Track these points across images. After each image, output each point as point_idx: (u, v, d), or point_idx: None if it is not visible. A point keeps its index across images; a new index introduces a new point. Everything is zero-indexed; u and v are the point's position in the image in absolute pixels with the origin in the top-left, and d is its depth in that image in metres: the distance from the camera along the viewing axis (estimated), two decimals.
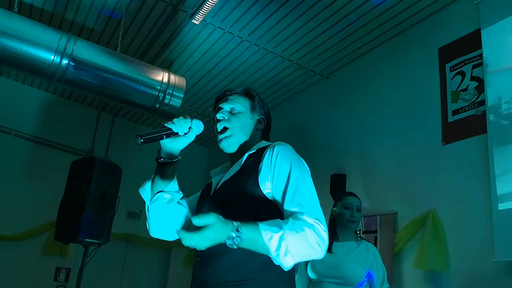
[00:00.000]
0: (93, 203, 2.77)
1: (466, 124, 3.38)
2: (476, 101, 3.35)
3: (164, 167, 1.52)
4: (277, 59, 4.80)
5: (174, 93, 3.86)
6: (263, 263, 1.30)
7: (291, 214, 1.30)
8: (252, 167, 1.44)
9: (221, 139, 1.57)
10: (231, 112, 1.59)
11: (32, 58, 3.34)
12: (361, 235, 3.02)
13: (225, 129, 1.56)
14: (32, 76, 4.10)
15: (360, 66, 4.61)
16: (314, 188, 1.41)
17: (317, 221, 1.28)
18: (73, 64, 3.47)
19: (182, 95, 3.90)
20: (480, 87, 3.34)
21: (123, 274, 6.51)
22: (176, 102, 3.90)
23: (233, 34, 4.46)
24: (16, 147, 5.88)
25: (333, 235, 2.74)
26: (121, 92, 3.66)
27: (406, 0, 3.78)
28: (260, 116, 1.63)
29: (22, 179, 5.81)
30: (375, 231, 3.87)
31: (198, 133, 1.53)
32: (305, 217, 1.28)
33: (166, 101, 3.85)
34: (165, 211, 1.55)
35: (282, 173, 1.39)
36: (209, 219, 1.15)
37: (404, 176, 3.78)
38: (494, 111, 3.17)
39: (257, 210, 1.36)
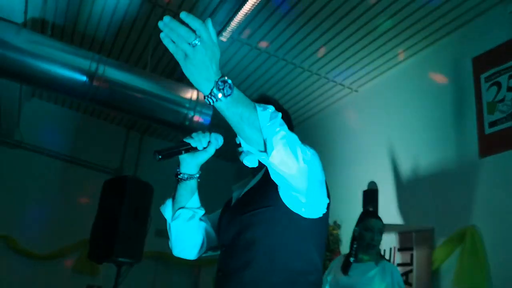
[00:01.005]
0: (126, 222, 2.77)
1: (505, 136, 3.26)
2: None
3: (185, 183, 1.49)
4: (305, 73, 4.77)
5: (203, 110, 3.86)
6: (290, 275, 1.25)
7: None
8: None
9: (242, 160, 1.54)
10: None
11: (65, 79, 3.42)
12: (383, 255, 2.96)
13: (239, 145, 1.53)
14: (64, 96, 4.19)
15: (390, 79, 4.53)
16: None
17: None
18: (104, 84, 3.52)
19: (211, 112, 3.90)
20: None
21: None
22: (205, 119, 3.90)
23: (260, 49, 4.46)
24: (48, 166, 5.99)
25: (350, 256, 2.69)
26: (150, 110, 3.70)
27: (437, 11, 3.70)
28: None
29: (53, 198, 5.89)
30: (411, 249, 3.74)
31: (217, 147, 1.50)
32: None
33: (195, 119, 3.86)
34: (187, 228, 1.52)
35: None
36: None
37: (440, 191, 3.66)
38: None
39: (279, 219, 1.31)
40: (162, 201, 1.58)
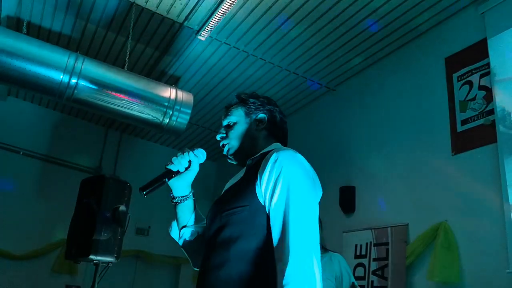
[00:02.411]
0: (103, 221, 2.77)
1: (476, 134, 3.36)
2: (485, 110, 3.34)
3: (181, 205, 1.53)
4: (283, 72, 4.82)
5: (181, 109, 3.86)
6: (262, 278, 1.25)
7: (280, 261, 1.21)
8: (253, 174, 1.37)
9: (226, 155, 1.57)
10: (228, 126, 1.57)
11: (41, 78, 3.37)
12: (327, 248, 3.05)
13: (223, 145, 1.56)
14: (41, 95, 4.14)
15: (366, 78, 4.62)
16: (312, 213, 1.29)
17: (303, 269, 1.18)
18: (82, 83, 3.49)
19: (189, 111, 3.91)
20: (489, 96, 3.33)
21: None
22: (184, 118, 3.90)
23: (238, 49, 4.49)
24: (25, 166, 5.91)
25: None
26: (129, 110, 3.68)
27: (411, 12, 3.79)
28: (259, 116, 1.55)
29: (31, 198, 5.83)
30: (386, 243, 3.83)
31: (201, 162, 1.53)
32: (289, 271, 1.18)
33: (174, 117, 3.86)
34: (193, 245, 1.56)
35: (279, 195, 1.29)
36: None
37: (414, 187, 3.76)
38: (503, 120, 3.15)
39: (254, 220, 1.30)
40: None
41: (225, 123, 1.58)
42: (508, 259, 2.87)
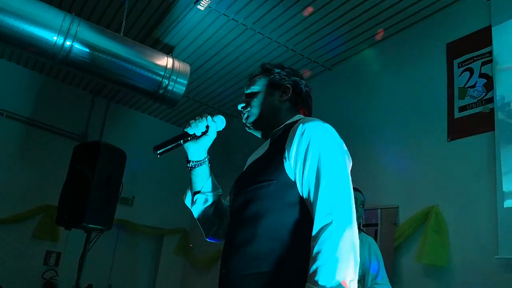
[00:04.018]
0: (97, 188, 2.71)
1: (473, 121, 3.38)
2: (484, 98, 3.35)
3: (195, 171, 1.50)
4: (281, 48, 4.74)
5: (178, 79, 3.77)
6: (289, 253, 1.22)
7: (318, 226, 1.18)
8: (278, 147, 1.34)
9: (244, 124, 1.53)
10: (250, 95, 1.53)
11: (34, 38, 3.22)
12: (361, 228, 3.02)
13: (243, 114, 1.52)
14: (32, 56, 3.99)
15: (364, 59, 4.58)
16: (346, 181, 1.26)
17: (347, 231, 1.16)
18: (76, 46, 3.36)
19: (186, 82, 3.82)
20: (489, 85, 3.34)
21: (113, 260, 6.45)
22: (180, 89, 3.81)
23: (237, 21, 4.39)
24: (8, 128, 5.75)
25: None
26: (124, 77, 3.57)
27: None
28: (283, 86, 1.51)
29: (13, 161, 5.69)
30: (376, 225, 3.87)
31: (219, 129, 1.49)
32: (334, 227, 1.16)
33: (170, 87, 3.76)
34: (205, 212, 1.53)
35: (309, 166, 1.25)
36: None
37: (407, 171, 3.78)
38: (503, 109, 3.17)
39: (282, 195, 1.27)
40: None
41: (247, 91, 1.54)
42: (498, 245, 2.93)
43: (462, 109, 3.49)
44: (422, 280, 3.39)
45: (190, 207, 1.55)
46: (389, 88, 4.19)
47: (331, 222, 1.16)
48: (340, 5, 4.00)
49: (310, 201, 1.23)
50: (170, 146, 1.41)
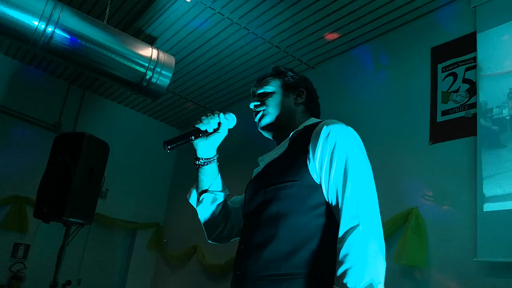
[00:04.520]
0: (79, 181, 2.61)
1: (455, 126, 3.44)
2: (467, 103, 3.41)
3: (204, 169, 1.47)
4: (265, 45, 4.71)
5: (162, 71, 3.70)
6: (309, 255, 1.21)
7: (345, 229, 1.17)
8: (301, 148, 1.33)
9: (257, 122, 1.52)
10: (264, 95, 1.53)
11: (15, 22, 3.10)
12: None
13: (258, 112, 1.51)
14: (11, 41, 3.83)
15: (348, 60, 4.60)
16: (372, 184, 1.28)
17: (374, 234, 1.17)
18: (58, 32, 3.25)
19: (170, 75, 3.75)
20: (472, 90, 3.40)
21: (84, 254, 6.30)
22: (164, 82, 3.74)
23: (223, 15, 4.33)
24: None
25: None
26: (107, 66, 3.47)
27: None
28: (298, 89, 1.54)
29: None
30: None
31: (230, 127, 1.49)
32: (361, 230, 1.16)
33: (154, 80, 3.69)
34: (212, 212, 1.50)
35: (336, 169, 1.25)
36: None
37: (388, 172, 3.81)
38: (485, 114, 3.23)
39: (305, 196, 1.27)
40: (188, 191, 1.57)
41: (260, 91, 1.52)
42: (476, 248, 2.99)
43: (444, 113, 3.54)
44: (400, 281, 3.43)
45: (195, 207, 1.51)
46: (372, 89, 4.22)
47: (358, 225, 1.16)
48: (326, 5, 4.00)
49: (336, 203, 1.23)
50: (181, 141, 1.39)
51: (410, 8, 3.89)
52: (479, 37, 3.39)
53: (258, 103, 1.51)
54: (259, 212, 1.32)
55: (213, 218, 1.51)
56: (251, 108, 1.55)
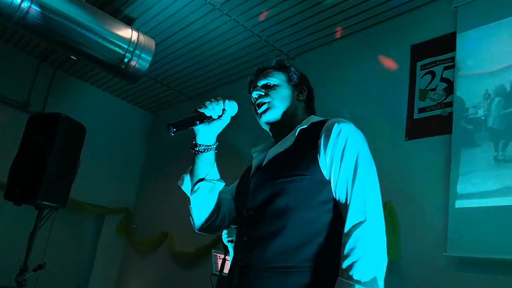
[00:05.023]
0: (54, 163, 2.53)
1: (432, 123, 3.51)
2: (443, 102, 3.49)
3: (202, 155, 1.44)
4: (246, 33, 4.66)
5: (142, 55, 3.63)
6: (316, 249, 1.23)
7: (352, 223, 1.21)
8: (310, 143, 1.34)
9: (260, 114, 1.50)
10: (267, 86, 1.51)
11: None
12: None
13: (262, 104, 1.49)
14: None
15: (329, 52, 4.61)
16: (377, 183, 1.34)
17: (380, 231, 1.23)
18: (35, 8, 3.12)
19: (150, 58, 3.69)
20: (449, 89, 3.47)
21: (49, 238, 6.13)
22: (143, 66, 3.68)
23: (205, 0, 4.25)
24: None
25: None
26: (85, 46, 3.38)
27: None
28: (300, 86, 1.57)
29: None
30: None
31: (232, 115, 1.47)
32: (368, 225, 1.20)
33: (132, 63, 3.62)
34: (207, 201, 1.48)
35: (346, 166, 1.29)
36: None
37: None
38: (460, 114, 3.31)
39: (315, 191, 1.29)
40: (180, 178, 1.52)
41: (263, 82, 1.51)
42: (446, 243, 3.08)
43: (421, 110, 3.61)
44: None
45: (189, 194, 1.47)
46: (351, 84, 4.26)
47: (364, 220, 1.20)
48: None
49: (344, 198, 1.26)
50: (187, 125, 1.35)
51: (392, 4, 3.92)
52: (459, 37, 3.46)
53: (263, 93, 1.49)
54: (266, 205, 1.31)
55: (208, 208, 1.49)
56: (253, 98, 1.53)
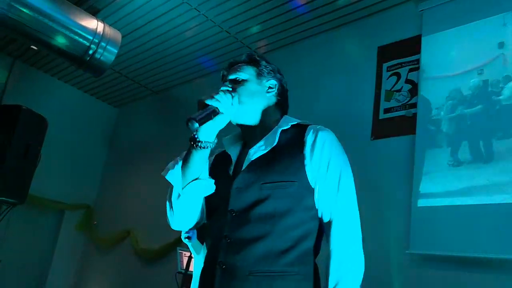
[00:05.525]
0: (14, 157, 2.41)
1: (396, 123, 3.58)
2: (408, 103, 3.56)
3: (201, 151, 1.35)
4: (215, 28, 4.62)
5: (107, 47, 3.53)
6: (300, 254, 1.28)
7: (337, 235, 1.32)
8: (295, 149, 1.36)
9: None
10: (236, 81, 1.48)
11: None
12: None
13: (232, 88, 1.45)
14: None
15: (298, 51, 4.63)
16: (354, 191, 1.43)
17: (359, 241, 1.36)
18: None
19: (116, 51, 3.60)
20: (413, 91, 3.55)
21: (6, 234, 5.90)
22: (108, 58, 3.58)
23: None
24: None
25: None
26: (48, 37, 3.25)
27: None
28: (270, 81, 1.52)
29: None
30: None
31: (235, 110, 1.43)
32: (350, 235, 1.34)
33: (98, 55, 3.51)
34: (198, 201, 1.43)
35: (332, 178, 1.35)
36: None
37: None
38: (424, 115, 3.40)
39: (301, 198, 1.32)
40: (166, 168, 1.42)
41: (232, 77, 1.48)
42: (409, 241, 3.15)
43: (387, 111, 3.68)
44: None
45: (179, 189, 1.38)
46: (319, 82, 4.29)
47: (348, 230, 1.32)
48: None
49: (327, 208, 1.33)
50: (206, 120, 1.28)
51: (360, 6, 3.97)
52: (424, 40, 3.54)
53: (230, 89, 1.45)
54: (253, 208, 1.30)
55: (196, 207, 1.44)
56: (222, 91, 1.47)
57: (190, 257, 3.32)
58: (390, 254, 3.26)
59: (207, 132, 1.35)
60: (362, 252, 1.34)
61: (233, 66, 1.54)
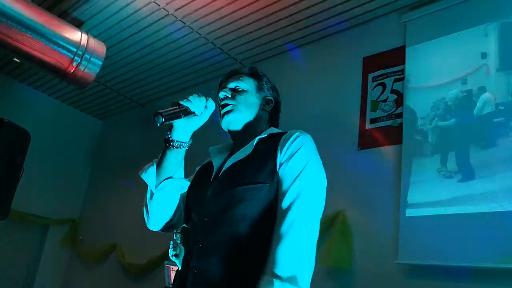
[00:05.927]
0: None
1: (383, 133, 3.59)
2: (394, 113, 3.58)
3: (175, 151, 1.39)
4: (201, 40, 4.61)
5: (91, 59, 3.49)
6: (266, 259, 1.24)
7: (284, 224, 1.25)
8: (268, 153, 1.36)
9: (223, 115, 1.49)
10: (236, 90, 1.51)
11: None
12: None
13: (227, 105, 1.49)
14: None
15: (284, 61, 4.64)
16: (320, 190, 1.37)
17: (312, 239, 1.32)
18: None
19: (100, 63, 3.55)
20: (399, 101, 3.57)
21: None
22: (92, 71, 3.53)
23: (159, 5, 4.16)
24: None
25: None
26: (30, 48, 3.20)
27: (338, 7, 3.89)
28: (268, 97, 1.57)
29: None
30: None
31: (210, 113, 1.45)
32: (302, 237, 1.27)
33: (82, 67, 3.46)
34: (172, 200, 1.45)
35: (294, 168, 1.31)
36: None
37: None
38: (410, 125, 3.41)
39: (271, 200, 1.30)
40: (142, 168, 1.45)
41: (232, 85, 1.51)
42: (398, 251, 3.14)
43: (373, 121, 3.69)
44: (325, 281, 3.51)
45: (153, 189, 1.41)
46: (305, 93, 4.29)
47: (298, 232, 1.25)
48: (266, 5, 4.00)
49: (281, 198, 1.28)
50: (173, 117, 1.29)
51: (345, 17, 4.00)
52: (408, 51, 3.58)
53: (229, 95, 1.49)
54: (223, 212, 1.31)
55: (171, 207, 1.46)
56: (220, 97, 1.53)
57: (177, 271, 3.26)
58: (379, 265, 3.25)
59: (181, 132, 1.39)
60: (311, 253, 1.30)
61: (235, 75, 1.58)
